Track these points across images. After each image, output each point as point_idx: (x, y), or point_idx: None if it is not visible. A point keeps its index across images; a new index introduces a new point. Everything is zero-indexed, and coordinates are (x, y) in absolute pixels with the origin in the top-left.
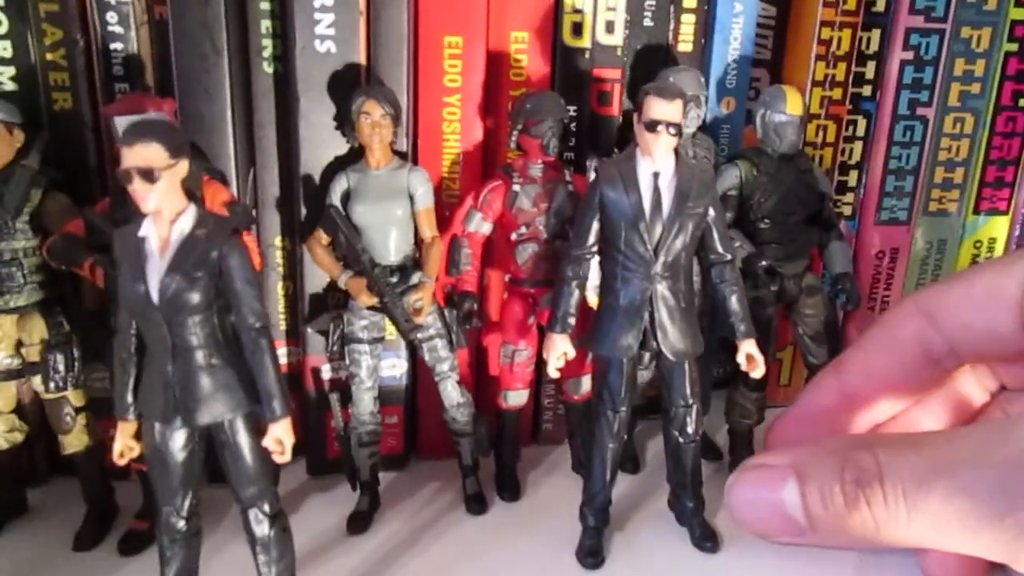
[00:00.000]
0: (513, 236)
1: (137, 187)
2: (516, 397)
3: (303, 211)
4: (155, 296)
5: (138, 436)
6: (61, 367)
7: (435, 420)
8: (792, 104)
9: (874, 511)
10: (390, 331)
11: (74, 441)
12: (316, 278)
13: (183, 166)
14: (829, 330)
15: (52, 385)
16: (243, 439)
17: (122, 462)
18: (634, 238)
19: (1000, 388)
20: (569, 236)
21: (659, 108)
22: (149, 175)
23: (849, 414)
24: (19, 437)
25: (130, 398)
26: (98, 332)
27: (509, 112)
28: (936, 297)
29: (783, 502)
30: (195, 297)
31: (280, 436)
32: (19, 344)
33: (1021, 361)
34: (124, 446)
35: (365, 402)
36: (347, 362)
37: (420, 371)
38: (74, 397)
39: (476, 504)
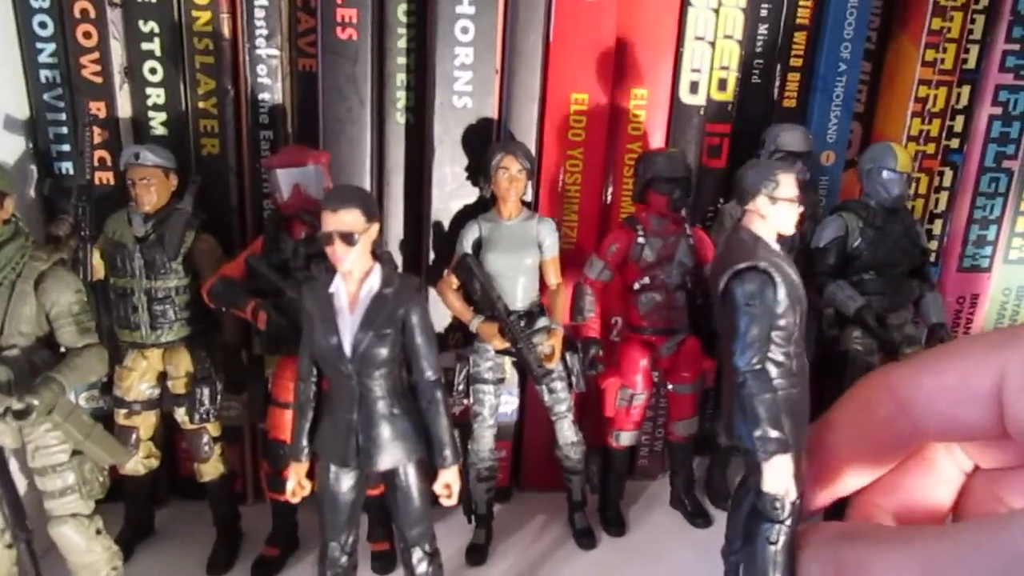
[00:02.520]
0: (636, 285)
1: (337, 249)
2: (628, 438)
3: (431, 255)
4: (348, 350)
5: (309, 475)
6: (206, 400)
7: (540, 454)
8: (902, 162)
9: None
10: (508, 371)
11: (210, 469)
12: (437, 319)
13: (375, 229)
14: None
15: (197, 417)
16: (414, 483)
17: (295, 500)
18: None
19: (974, 466)
20: (688, 286)
21: None
22: (349, 238)
23: (832, 479)
24: (155, 463)
25: (305, 441)
26: (236, 366)
27: (636, 167)
28: (907, 383)
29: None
30: (384, 352)
31: (449, 481)
32: (161, 376)
33: (994, 445)
34: (296, 485)
35: (486, 439)
36: (471, 401)
37: (529, 409)
38: (212, 428)
39: (586, 539)
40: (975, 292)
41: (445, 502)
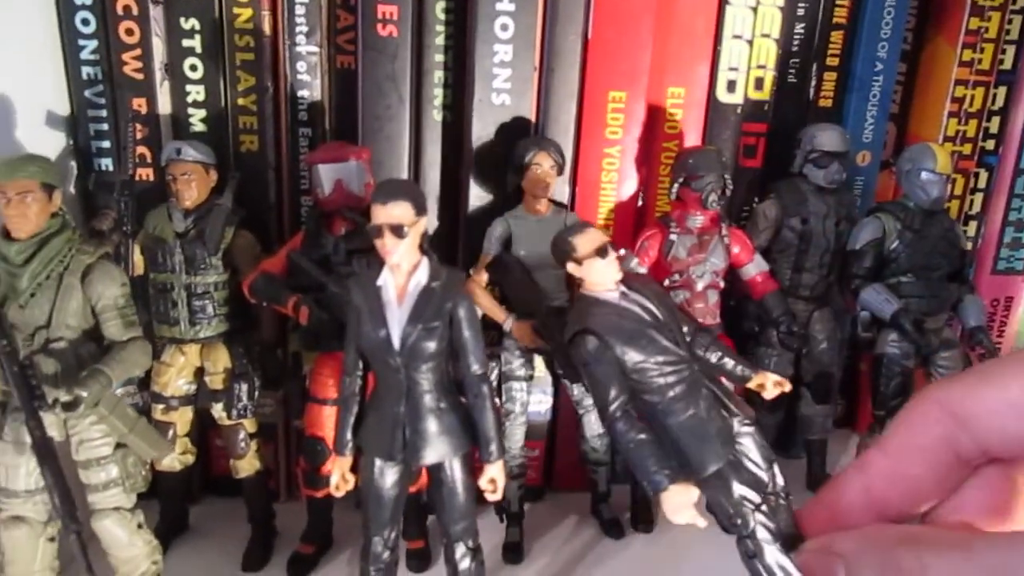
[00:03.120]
0: (666, 282)
1: (387, 242)
2: None
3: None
4: (396, 343)
5: (352, 470)
6: (244, 396)
7: (572, 454)
8: (941, 163)
9: None
10: (539, 369)
11: (246, 466)
12: None
13: (424, 222)
14: None
15: (235, 413)
16: (460, 478)
17: (339, 494)
18: None
19: None
20: (720, 285)
21: None
22: (399, 231)
23: (876, 513)
24: (190, 459)
25: (349, 435)
26: (272, 362)
27: (672, 165)
28: (966, 400)
29: None
30: (432, 345)
31: (495, 476)
32: (198, 372)
33: None
34: (340, 479)
35: (517, 436)
36: (504, 399)
37: (561, 407)
38: (248, 424)
39: (614, 528)
40: (1009, 295)
41: (490, 497)
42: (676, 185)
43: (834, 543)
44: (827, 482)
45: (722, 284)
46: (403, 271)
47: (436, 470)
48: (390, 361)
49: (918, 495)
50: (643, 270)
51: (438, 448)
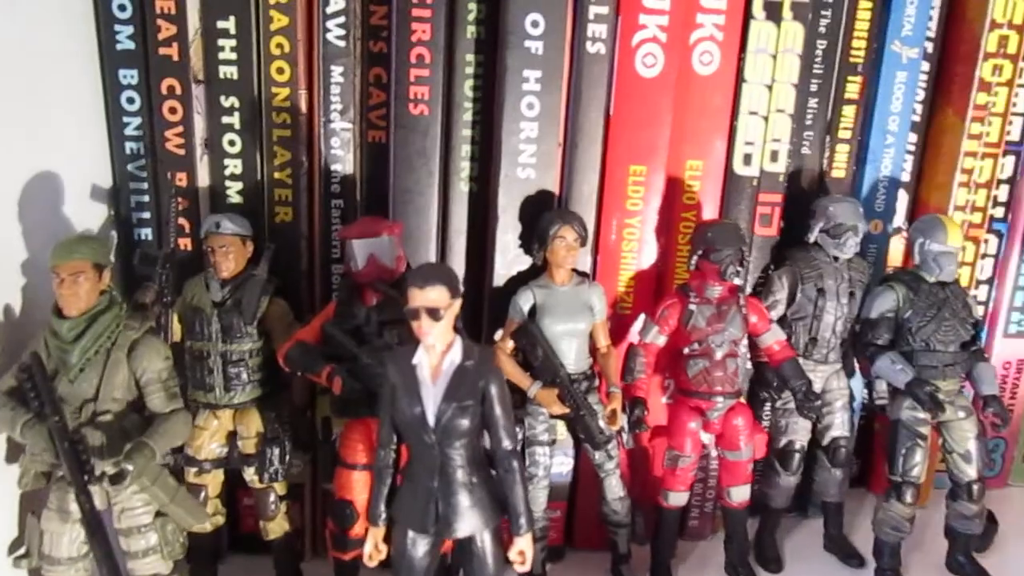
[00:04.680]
0: (685, 351)
1: (423, 323)
2: (676, 498)
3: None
4: (431, 420)
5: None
6: (276, 460)
7: (593, 514)
8: (952, 236)
9: None
10: (560, 432)
11: (276, 528)
12: None
13: (458, 304)
14: (978, 449)
15: (267, 476)
16: (490, 550)
17: (372, 564)
18: None
19: None
20: (738, 354)
21: None
22: (435, 314)
23: None
24: (220, 520)
25: (383, 506)
26: (303, 427)
27: (692, 236)
28: None
29: None
30: (466, 423)
31: (524, 548)
32: (230, 435)
33: None
34: (373, 549)
35: (540, 500)
36: (527, 463)
37: (582, 468)
38: (279, 487)
39: None
40: (1021, 357)
41: (519, 568)
42: (695, 257)
43: None
44: None
45: (740, 352)
46: (437, 351)
47: (467, 542)
48: (425, 437)
49: None
50: (663, 339)
51: (470, 521)
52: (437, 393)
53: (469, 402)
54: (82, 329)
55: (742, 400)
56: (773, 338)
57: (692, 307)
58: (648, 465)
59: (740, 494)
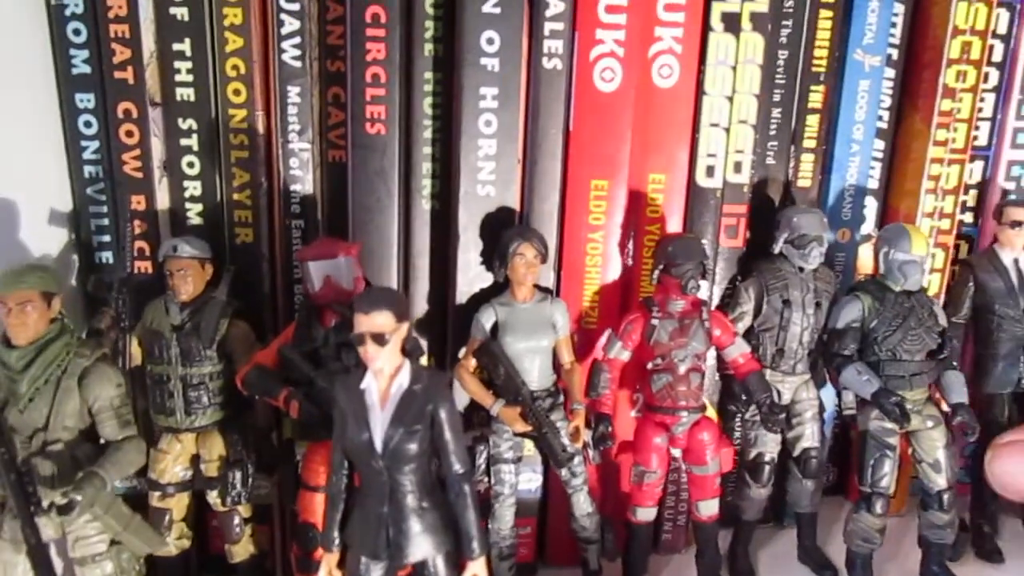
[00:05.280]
0: (649, 365)
1: (369, 349)
2: (645, 513)
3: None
4: (379, 445)
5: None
6: (238, 483)
7: (564, 529)
8: (917, 245)
9: None
10: (528, 448)
11: (241, 550)
12: (459, 400)
13: (405, 328)
14: (947, 458)
15: (229, 500)
16: (444, 574)
17: None
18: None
19: None
20: (702, 368)
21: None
22: (380, 339)
23: None
24: (187, 543)
25: (336, 532)
26: (267, 449)
27: (654, 251)
28: None
29: None
30: (413, 447)
31: (477, 572)
32: (194, 458)
33: None
34: (327, 575)
35: (507, 517)
36: (492, 481)
37: (551, 484)
38: (243, 509)
39: None
40: None
41: None
42: (657, 271)
43: None
44: None
45: (704, 367)
46: (385, 375)
47: (421, 568)
48: (373, 463)
49: None
50: (627, 353)
51: (422, 546)
52: (385, 418)
53: (417, 427)
54: (31, 358)
55: (707, 414)
56: (738, 351)
57: (655, 322)
58: (617, 481)
59: (709, 508)
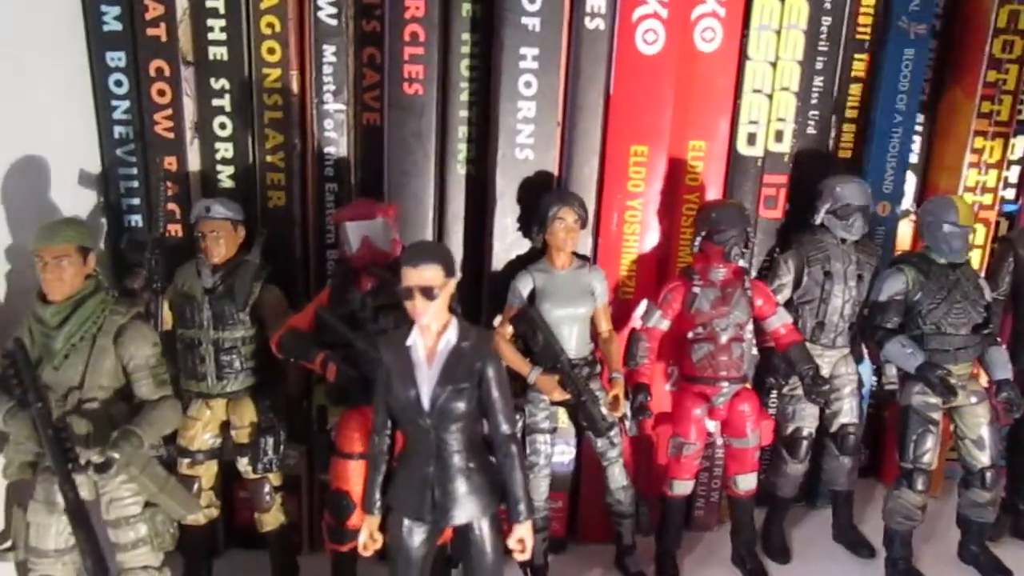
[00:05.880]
0: (689, 335)
1: (417, 303)
2: (681, 487)
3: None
4: (426, 403)
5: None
6: (270, 450)
7: (596, 506)
8: (964, 215)
9: None
10: (562, 421)
11: (271, 519)
12: None
13: (453, 284)
14: (991, 435)
15: (260, 467)
16: (489, 538)
17: (367, 554)
18: None
19: None
20: (743, 338)
21: None
22: (429, 293)
23: None
24: (214, 513)
25: (378, 494)
26: (298, 417)
27: (695, 218)
28: None
29: None
30: (461, 406)
31: (523, 536)
32: (223, 426)
33: None
34: (368, 538)
35: (542, 488)
36: (528, 451)
37: (585, 458)
38: (274, 478)
39: None
40: None
41: (519, 557)
42: (699, 238)
43: None
44: None
45: (746, 337)
46: (432, 332)
47: (465, 530)
48: (420, 422)
49: None
50: (666, 323)
51: (467, 508)
52: (432, 375)
53: (465, 384)
54: (67, 314)
55: (748, 386)
56: (780, 321)
57: (696, 290)
58: (652, 454)
59: (747, 483)
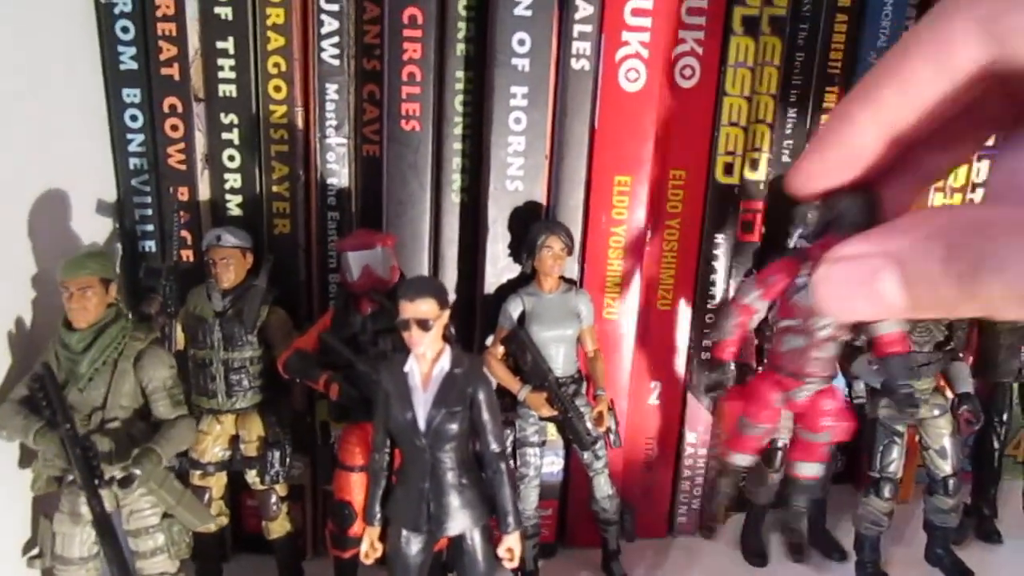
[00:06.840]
0: (782, 323)
1: (414, 334)
2: (741, 459)
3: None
4: (422, 425)
5: (381, 538)
6: (276, 462)
7: (585, 512)
8: None
9: (986, 293)
10: (551, 433)
11: (278, 527)
12: None
13: (447, 315)
14: (953, 446)
15: (268, 479)
16: (480, 547)
17: (368, 562)
18: None
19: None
20: (839, 338)
21: None
22: (425, 324)
23: (889, 152)
24: (224, 521)
25: (378, 507)
26: (303, 430)
27: (819, 207)
28: (1011, 15)
29: (881, 293)
30: (454, 427)
31: (512, 546)
32: (232, 439)
33: None
34: (369, 547)
35: (532, 499)
36: (518, 463)
37: (573, 469)
38: (280, 488)
39: None
40: None
41: (507, 565)
42: (806, 229)
43: (880, 241)
44: (822, 133)
45: (845, 337)
46: (428, 359)
47: (458, 540)
48: (416, 441)
49: (944, 137)
50: (763, 304)
51: (460, 520)
52: (428, 399)
53: (458, 408)
54: (90, 340)
55: (834, 384)
56: (888, 328)
57: (801, 280)
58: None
59: (807, 469)
